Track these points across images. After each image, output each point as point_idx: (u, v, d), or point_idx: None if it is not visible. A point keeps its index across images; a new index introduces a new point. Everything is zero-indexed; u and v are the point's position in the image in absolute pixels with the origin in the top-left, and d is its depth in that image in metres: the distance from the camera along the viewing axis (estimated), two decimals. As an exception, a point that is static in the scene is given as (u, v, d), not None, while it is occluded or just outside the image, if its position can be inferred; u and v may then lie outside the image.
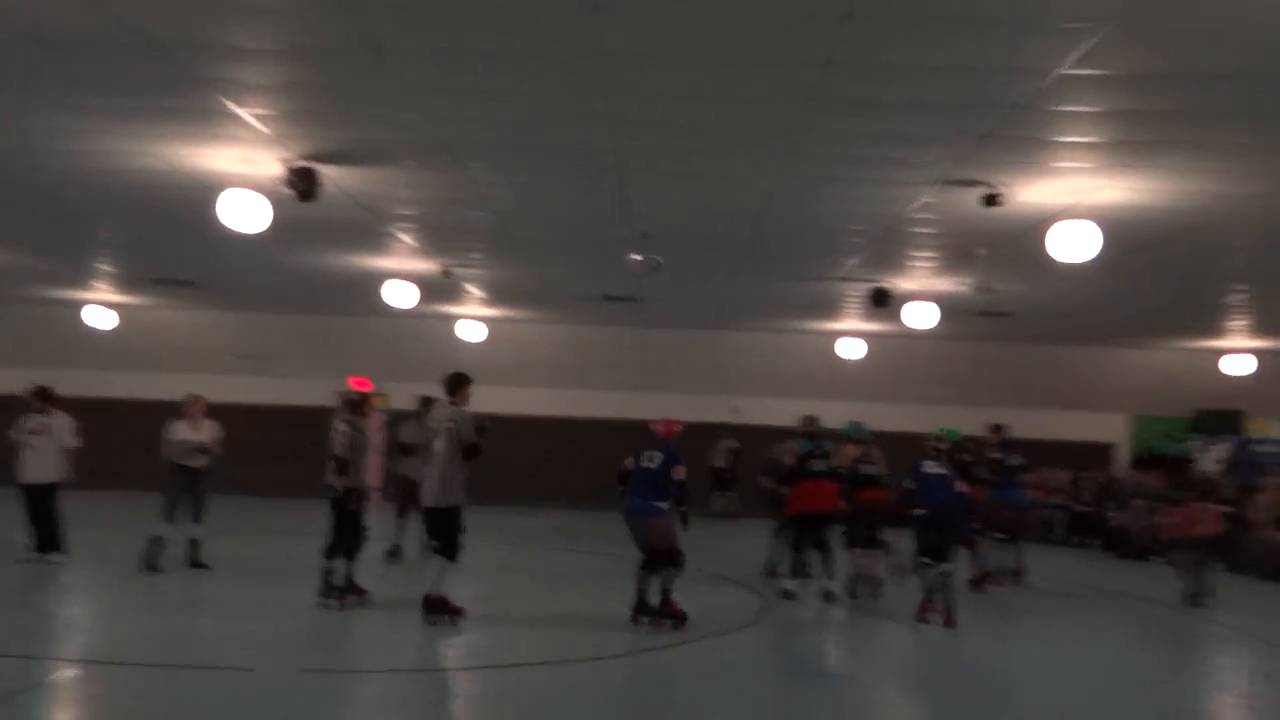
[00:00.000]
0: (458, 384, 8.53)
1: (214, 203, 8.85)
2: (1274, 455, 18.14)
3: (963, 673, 7.75)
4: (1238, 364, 17.48)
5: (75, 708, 5.99)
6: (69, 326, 18.66)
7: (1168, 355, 18.68)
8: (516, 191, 9.40)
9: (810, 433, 10.49)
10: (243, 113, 7.26)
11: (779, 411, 19.75)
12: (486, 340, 18.30)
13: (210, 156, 8.38)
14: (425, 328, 18.78)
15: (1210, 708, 7.45)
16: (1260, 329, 15.70)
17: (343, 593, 8.66)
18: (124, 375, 19.28)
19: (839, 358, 18.00)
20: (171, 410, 10.70)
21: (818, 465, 10.12)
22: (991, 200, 8.27)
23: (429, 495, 8.25)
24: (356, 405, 9.40)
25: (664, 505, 8.46)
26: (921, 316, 13.20)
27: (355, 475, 8.92)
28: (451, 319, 17.89)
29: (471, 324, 17.63)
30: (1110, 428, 20.16)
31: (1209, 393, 18.92)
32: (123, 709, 5.83)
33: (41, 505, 10.15)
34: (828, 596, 9.96)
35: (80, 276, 15.70)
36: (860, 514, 10.16)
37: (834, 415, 19.65)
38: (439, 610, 8.11)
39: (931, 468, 9.64)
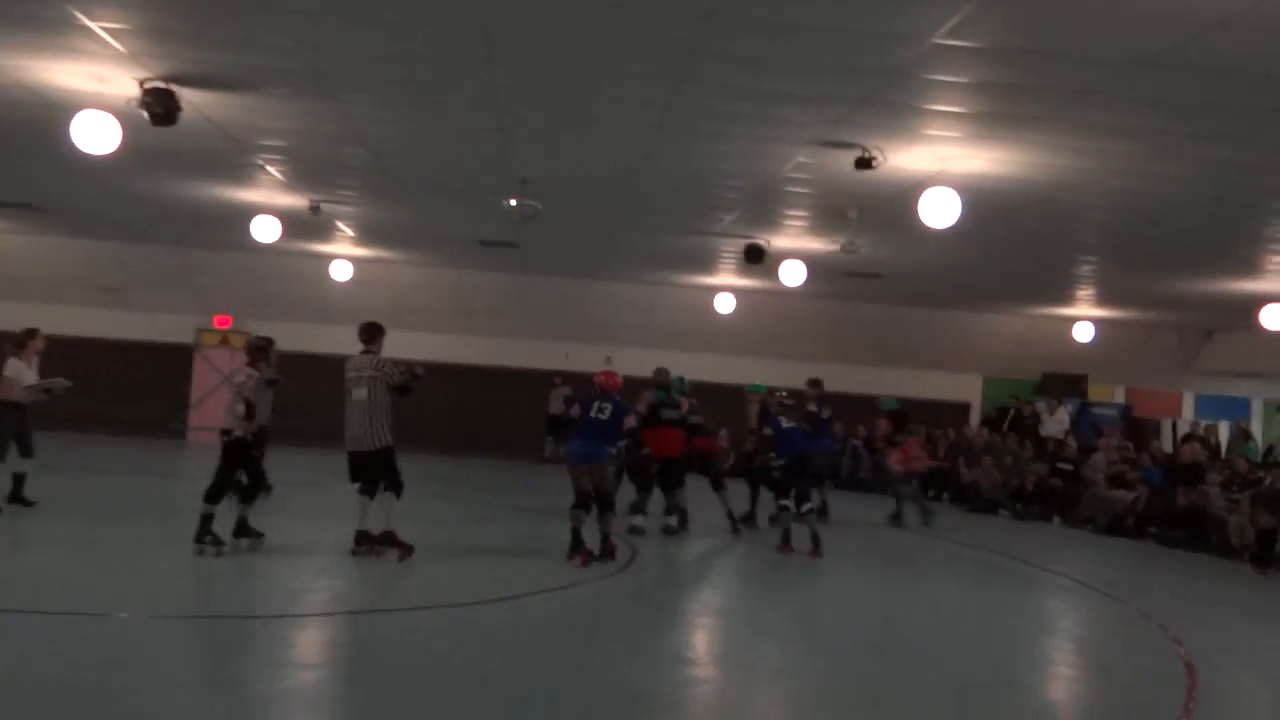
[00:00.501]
0: (373, 333, 9.14)
1: (59, 121, 8.29)
2: (1111, 418, 19.37)
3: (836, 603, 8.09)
4: (1084, 331, 18.50)
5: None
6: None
7: (1021, 320, 19.60)
8: (392, 128, 9.10)
9: (661, 384, 11.22)
10: (94, 25, 6.78)
11: (652, 363, 20.04)
12: (358, 281, 17.82)
13: (56, 71, 7.81)
14: (292, 265, 18.17)
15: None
16: (1105, 299, 16.61)
17: (236, 536, 8.60)
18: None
19: (712, 312, 18.24)
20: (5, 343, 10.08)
21: (669, 414, 10.95)
22: (864, 163, 8.45)
23: (355, 441, 8.68)
24: (262, 350, 9.49)
25: (611, 451, 9.25)
26: (791, 274, 13.48)
27: (259, 420, 9.03)
28: (322, 258, 17.33)
29: (341, 263, 17.12)
30: (967, 388, 21.14)
31: (1056, 357, 20.01)
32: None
33: None
34: (667, 530, 11.05)
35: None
36: (696, 458, 11.28)
37: (707, 369, 20.12)
38: (387, 544, 8.57)
39: (788, 421, 10.65)
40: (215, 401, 19.37)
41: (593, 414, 9.09)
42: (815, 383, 12.18)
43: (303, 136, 9.57)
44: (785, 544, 10.27)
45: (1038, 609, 9.31)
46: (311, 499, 12.38)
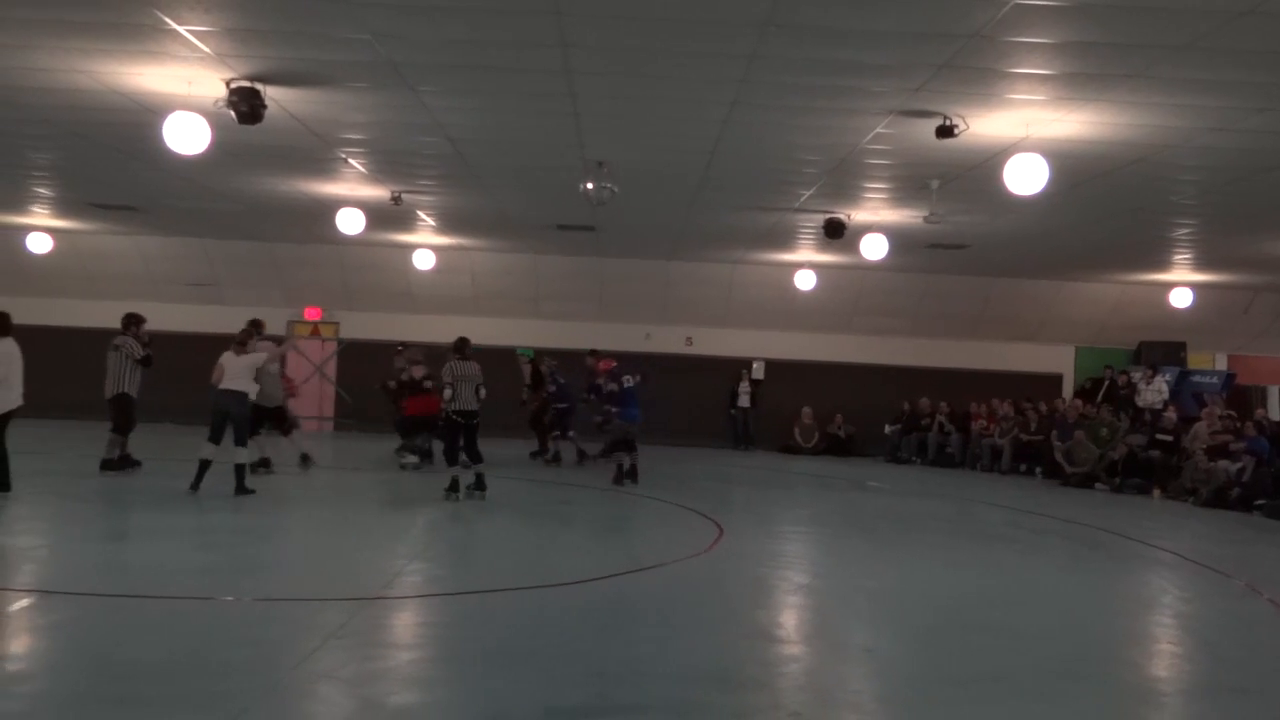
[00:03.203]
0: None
1: (153, 124, 8.59)
2: (1212, 386, 18.65)
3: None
4: (1181, 297, 17.84)
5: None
6: (8, 252, 18.17)
7: (1114, 288, 18.99)
8: (468, 116, 9.21)
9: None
10: (181, 29, 7.00)
11: (732, 343, 19.99)
12: (440, 269, 18.09)
13: (148, 75, 8.10)
14: (376, 255, 18.54)
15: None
16: (1204, 263, 15.98)
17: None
18: (64, 303, 18.86)
19: (793, 289, 18.08)
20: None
21: (429, 384, 13.28)
22: (945, 131, 8.27)
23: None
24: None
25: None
26: (875, 247, 13.27)
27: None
28: (405, 248, 17.64)
29: (423, 253, 17.39)
30: (1058, 359, 20.58)
31: (1153, 325, 19.35)
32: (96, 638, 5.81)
33: None
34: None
35: (18, 201, 15.21)
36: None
37: (789, 347, 19.98)
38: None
39: (629, 382, 13.44)
40: (308, 390, 19.97)
41: (627, 385, 13.26)
42: (594, 352, 14.54)
43: (382, 128, 9.74)
44: (620, 477, 13.03)
45: (1138, 584, 9.04)
46: (388, 482, 12.65)
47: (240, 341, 11.12)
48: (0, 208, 15.82)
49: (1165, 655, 6.70)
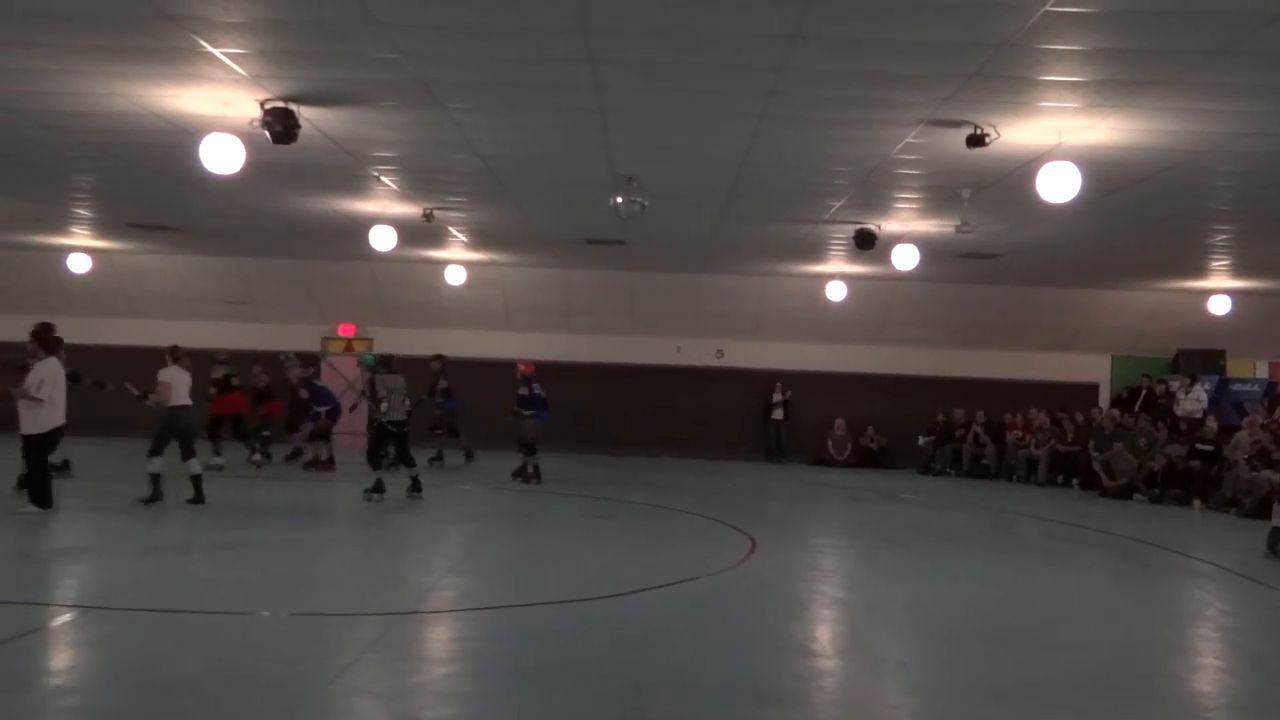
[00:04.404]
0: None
1: (190, 145, 8.72)
2: (1253, 394, 18.36)
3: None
4: (1219, 304, 17.59)
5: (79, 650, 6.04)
6: (49, 272, 18.48)
7: (1150, 296, 18.77)
8: (499, 133, 9.27)
9: (223, 361, 15.38)
10: (217, 52, 7.11)
11: (763, 355, 19.95)
12: (471, 284, 18.21)
13: (183, 97, 8.23)
14: (409, 272, 18.69)
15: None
16: (1242, 269, 15.75)
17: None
18: (105, 321, 19.14)
19: (824, 300, 18.02)
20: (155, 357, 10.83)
21: (235, 382, 15.42)
22: (976, 140, 8.22)
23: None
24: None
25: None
26: (906, 258, 13.20)
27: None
28: (437, 263, 17.77)
29: (455, 268, 17.51)
30: (1094, 368, 20.34)
31: (1190, 332, 19.09)
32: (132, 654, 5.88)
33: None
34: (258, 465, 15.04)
35: (59, 222, 15.49)
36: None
37: (820, 358, 19.89)
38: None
39: (539, 389, 14.40)
40: (343, 405, 20.11)
41: (535, 390, 14.35)
42: (439, 357, 15.02)
43: (413, 146, 9.83)
44: (525, 474, 14.36)
45: (1179, 597, 8.91)
46: (439, 498, 12.72)
47: (176, 357, 11.43)
48: (42, 229, 16.11)
49: (1209, 669, 6.59)
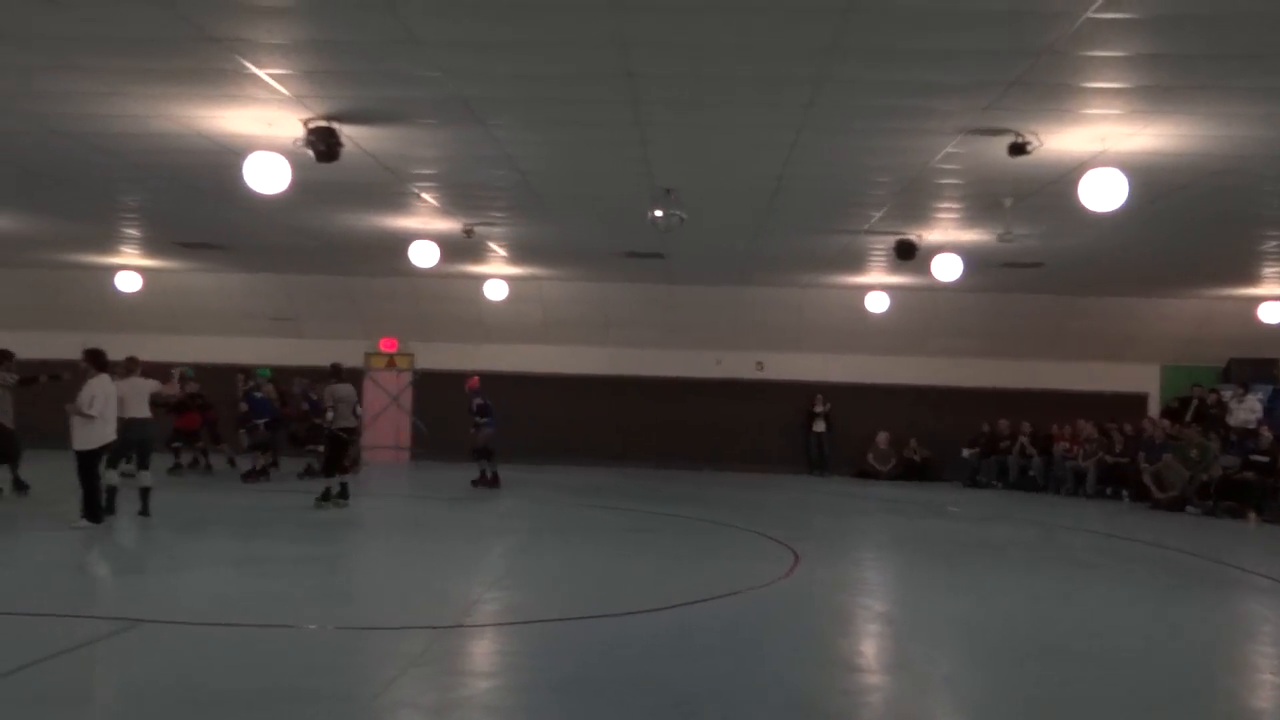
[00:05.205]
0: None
1: (234, 165, 8.86)
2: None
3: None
4: (1272, 311, 17.21)
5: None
6: (97, 290, 18.85)
7: (1200, 304, 18.42)
8: (537, 148, 9.33)
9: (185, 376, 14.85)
10: (261, 73, 7.24)
11: (804, 367, 19.86)
12: (512, 299, 18.30)
13: (228, 118, 8.37)
14: (450, 287, 18.82)
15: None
16: (1295, 276, 15.42)
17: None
18: (152, 338, 19.46)
19: (863, 312, 17.89)
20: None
21: (199, 400, 15.96)
22: (1018, 149, 8.14)
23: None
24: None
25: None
26: (947, 268, 13.05)
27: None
28: (477, 278, 17.89)
29: (495, 283, 17.61)
30: (1143, 378, 19.99)
31: (1243, 341, 18.70)
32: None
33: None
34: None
35: (107, 241, 15.81)
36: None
37: (862, 370, 19.76)
38: None
39: (481, 399, 15.16)
40: (385, 421, 20.31)
41: (486, 400, 15.14)
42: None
43: (453, 163, 9.92)
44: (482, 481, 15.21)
45: (1234, 611, 8.69)
46: (483, 511, 12.78)
47: (131, 369, 11.61)
48: (91, 248, 16.45)
49: (1266, 685, 6.42)
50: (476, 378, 15.77)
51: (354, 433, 12.93)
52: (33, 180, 11.18)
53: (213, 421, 16.62)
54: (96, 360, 10.62)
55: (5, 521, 10.52)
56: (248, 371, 16.46)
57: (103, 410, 10.35)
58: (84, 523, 10.18)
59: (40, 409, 13.02)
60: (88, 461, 10.29)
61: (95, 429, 10.28)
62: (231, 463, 16.38)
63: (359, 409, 12.93)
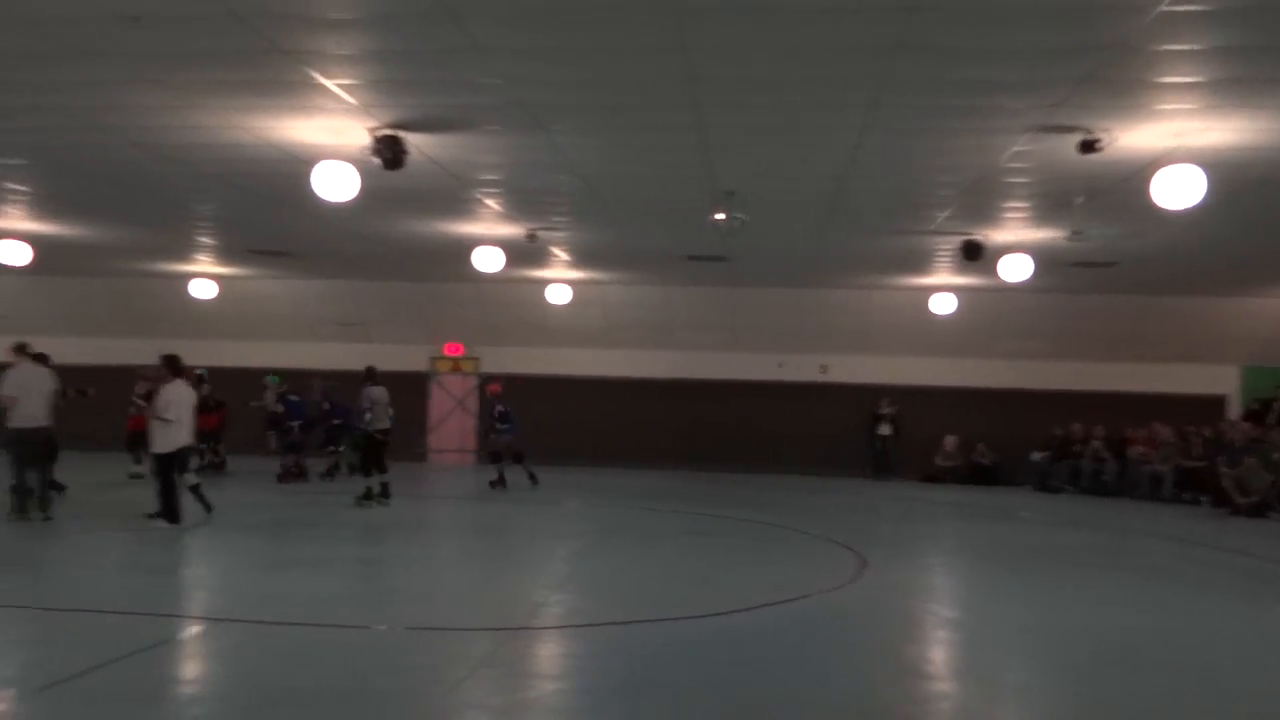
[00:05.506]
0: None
1: (304, 174, 9.05)
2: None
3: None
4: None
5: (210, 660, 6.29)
6: (171, 297, 19.38)
7: (1282, 303, 17.84)
8: (598, 153, 9.38)
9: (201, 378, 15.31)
10: (329, 83, 7.38)
11: (868, 369, 19.64)
12: (575, 303, 18.40)
13: (298, 128, 8.56)
14: (513, 292, 18.99)
15: None
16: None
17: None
18: (225, 344, 19.96)
19: (929, 314, 17.64)
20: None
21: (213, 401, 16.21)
22: (1089, 146, 7.96)
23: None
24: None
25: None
26: (1016, 269, 12.81)
27: None
28: (539, 283, 18.03)
29: (559, 287, 17.72)
30: (1221, 379, 19.40)
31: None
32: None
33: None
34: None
35: (182, 249, 16.25)
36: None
37: (926, 372, 19.48)
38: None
39: (502, 405, 15.45)
40: (452, 425, 20.56)
41: (506, 408, 15.33)
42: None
43: (516, 169, 10.01)
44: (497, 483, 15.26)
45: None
46: (553, 512, 12.85)
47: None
48: (166, 256, 16.92)
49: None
50: (498, 384, 16.14)
51: (389, 434, 13.30)
52: (113, 191, 11.55)
53: (223, 422, 16.99)
54: (173, 366, 10.95)
55: (83, 522, 10.84)
56: (322, 377, 16.87)
57: (179, 414, 10.66)
58: (161, 523, 10.47)
59: (76, 416, 13.29)
60: (166, 464, 10.60)
61: (172, 432, 10.59)
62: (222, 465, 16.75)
63: (391, 410, 13.38)
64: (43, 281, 19.13)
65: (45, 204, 12.53)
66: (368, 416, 13.17)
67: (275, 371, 17.14)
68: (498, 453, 15.72)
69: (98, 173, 10.62)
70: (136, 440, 14.94)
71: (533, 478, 15.41)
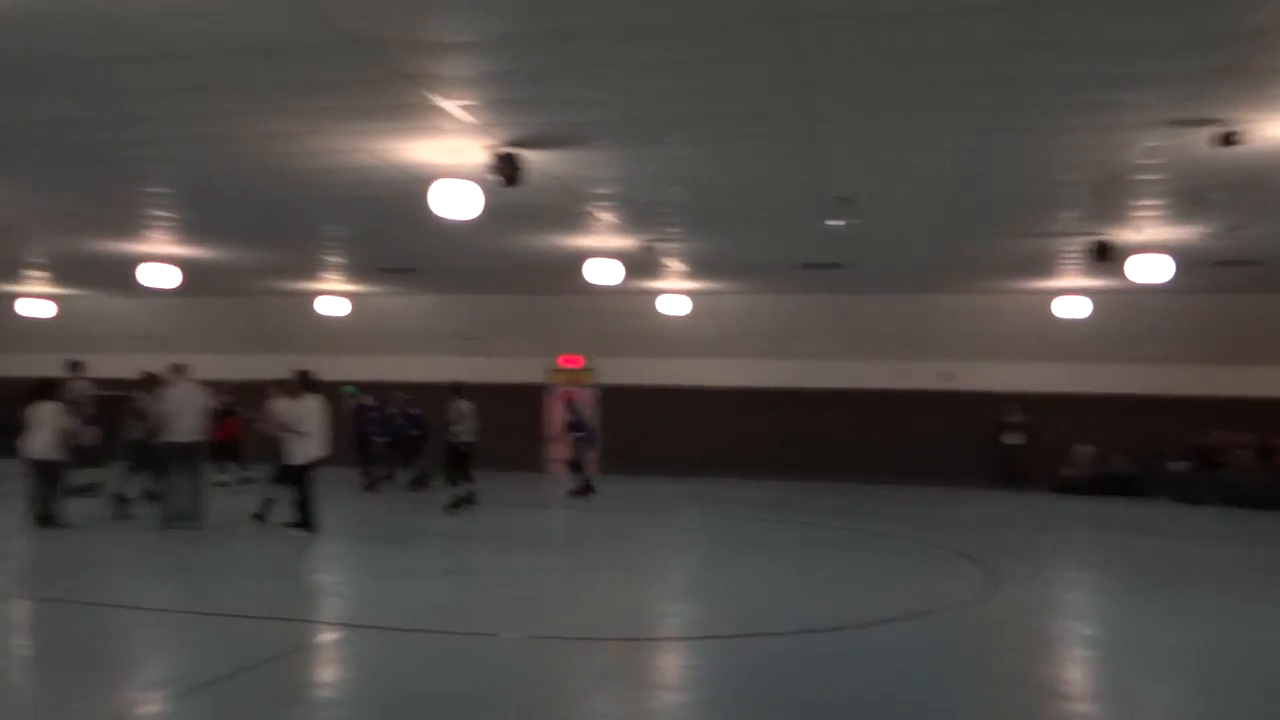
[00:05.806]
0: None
1: (424, 193, 9.31)
2: None
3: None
4: None
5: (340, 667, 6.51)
6: (300, 315, 20.16)
7: None
8: (711, 164, 9.37)
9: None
10: (448, 105, 7.58)
11: (993, 376, 19.05)
12: (690, 313, 18.38)
13: (419, 149, 8.81)
14: (629, 303, 19.10)
15: None
16: None
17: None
18: (352, 359, 20.64)
19: (1055, 317, 16.99)
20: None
21: (233, 409, 16.35)
22: (1229, 139, 7.56)
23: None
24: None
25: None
26: (1153, 269, 12.18)
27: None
28: (653, 294, 18.09)
29: (674, 298, 17.74)
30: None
31: None
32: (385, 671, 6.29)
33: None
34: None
35: (311, 268, 16.91)
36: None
37: (1054, 379, 18.77)
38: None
39: (573, 415, 15.88)
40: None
41: (583, 415, 16.00)
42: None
43: (630, 182, 10.08)
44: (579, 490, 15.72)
45: None
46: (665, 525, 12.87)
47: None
48: (297, 275, 17.64)
49: None
50: (572, 393, 16.65)
51: (473, 445, 13.87)
52: (250, 215, 12.10)
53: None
54: (307, 381, 11.44)
55: (223, 531, 11.35)
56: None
57: (312, 428, 11.12)
58: (297, 531, 10.90)
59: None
60: (299, 475, 11.03)
61: (305, 444, 11.03)
62: (423, 478, 16.99)
63: (477, 424, 14.00)
64: (186, 302, 20.18)
65: (189, 229, 13.24)
66: (455, 429, 13.74)
67: (351, 383, 17.75)
68: (577, 462, 16.10)
69: (233, 199, 11.15)
70: (222, 450, 15.60)
71: (585, 489, 15.72)
